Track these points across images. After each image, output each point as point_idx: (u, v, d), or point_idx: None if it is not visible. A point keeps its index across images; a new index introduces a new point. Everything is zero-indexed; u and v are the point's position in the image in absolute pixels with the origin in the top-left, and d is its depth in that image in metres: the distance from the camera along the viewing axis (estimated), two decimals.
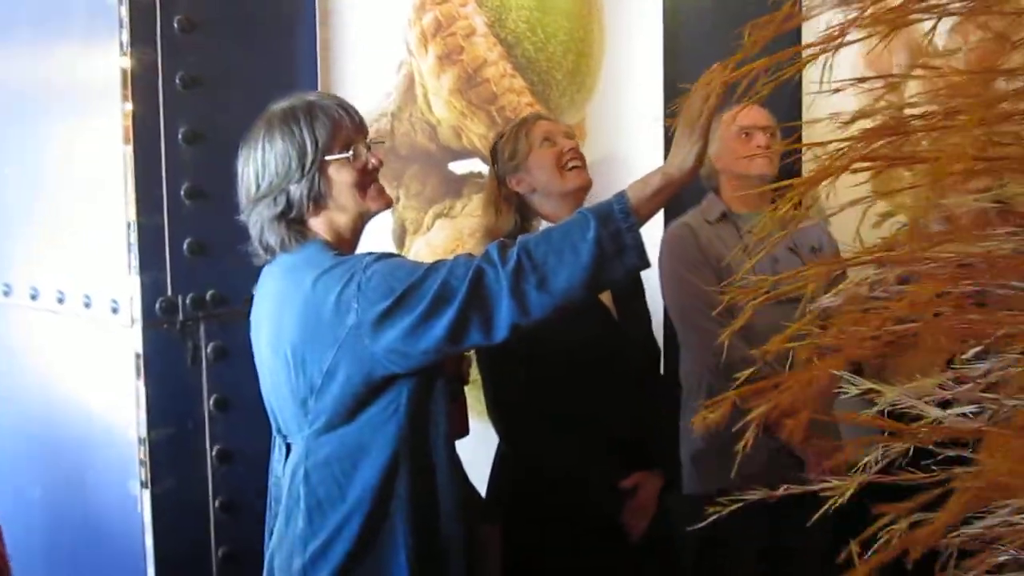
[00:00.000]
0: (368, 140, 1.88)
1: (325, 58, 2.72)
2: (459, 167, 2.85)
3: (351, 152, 1.82)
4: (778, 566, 2.73)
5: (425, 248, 2.84)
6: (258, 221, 1.83)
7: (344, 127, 1.83)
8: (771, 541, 2.69)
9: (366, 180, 1.85)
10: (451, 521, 1.83)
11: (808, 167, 2.87)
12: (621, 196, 1.76)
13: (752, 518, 2.60)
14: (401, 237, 2.84)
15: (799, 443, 2.59)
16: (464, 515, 1.86)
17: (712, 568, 2.69)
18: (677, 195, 2.84)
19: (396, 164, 2.82)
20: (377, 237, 2.80)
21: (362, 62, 2.77)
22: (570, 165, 2.38)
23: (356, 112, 1.89)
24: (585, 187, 2.40)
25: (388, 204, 1.90)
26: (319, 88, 2.70)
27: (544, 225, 2.40)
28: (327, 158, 1.80)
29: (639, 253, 1.74)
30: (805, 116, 2.89)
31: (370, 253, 1.78)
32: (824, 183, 1.28)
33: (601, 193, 2.50)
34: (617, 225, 1.72)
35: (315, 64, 2.58)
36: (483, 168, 2.80)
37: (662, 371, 2.81)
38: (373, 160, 1.86)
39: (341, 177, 1.82)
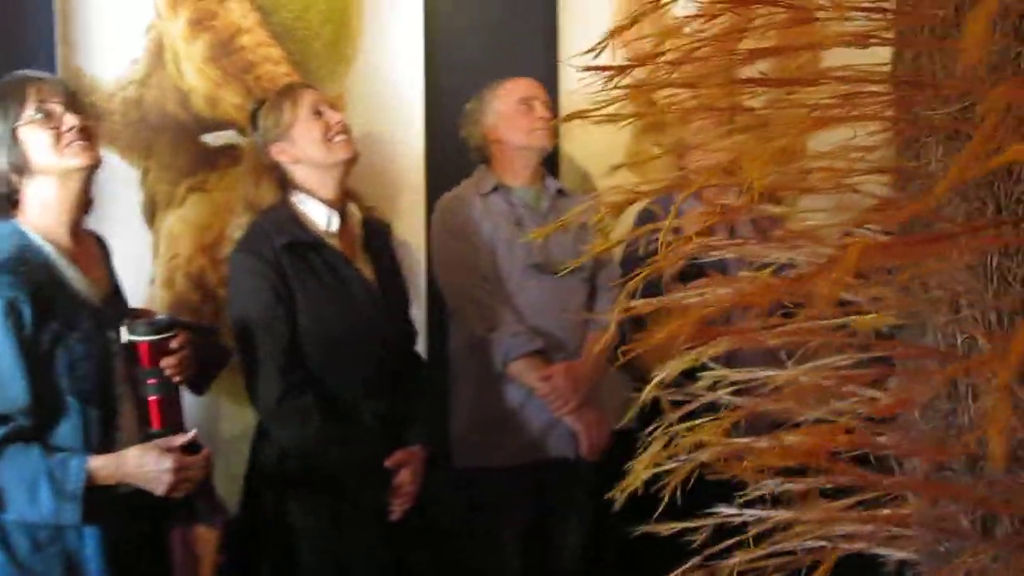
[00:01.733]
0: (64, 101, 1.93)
1: (64, 19, 2.55)
2: (214, 138, 2.74)
3: (42, 113, 1.88)
4: (543, 543, 2.78)
5: (179, 224, 2.71)
6: None
7: (35, 92, 1.90)
8: (537, 517, 2.74)
9: (63, 139, 1.90)
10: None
11: (565, 136, 2.97)
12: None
13: (518, 494, 2.68)
14: (151, 211, 2.70)
15: (570, 417, 2.65)
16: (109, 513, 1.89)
17: (478, 543, 2.72)
18: (444, 170, 2.87)
19: (145, 134, 2.68)
20: (126, 212, 2.67)
21: (106, 24, 2.61)
22: (337, 138, 2.34)
23: (58, 80, 2.00)
24: (351, 160, 2.37)
25: (91, 160, 1.94)
26: (58, 52, 2.53)
27: (302, 197, 2.34)
28: (17, 124, 1.87)
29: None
30: (562, 86, 2.97)
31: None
32: None
33: (361, 168, 2.47)
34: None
35: (52, 25, 2.41)
36: (240, 140, 2.71)
37: (427, 346, 2.81)
38: (71, 119, 1.91)
39: (37, 140, 1.88)
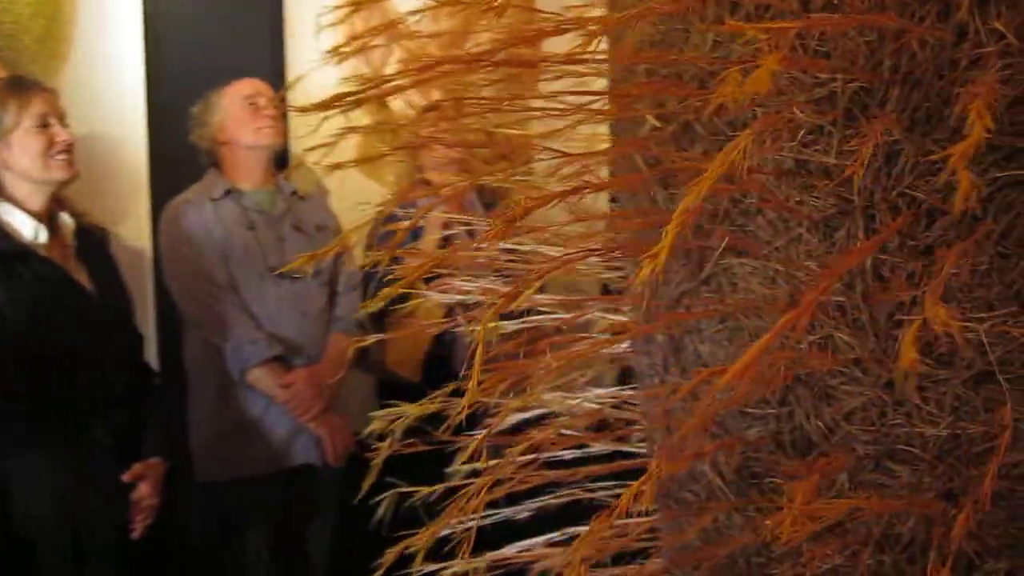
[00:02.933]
0: None
1: None
2: None
3: None
4: (292, 550, 2.76)
5: None
6: None
7: None
8: (284, 525, 2.71)
9: None
10: None
11: (299, 136, 2.94)
12: None
13: (264, 504, 2.64)
14: None
15: (314, 422, 2.63)
16: None
17: (224, 556, 2.65)
18: (170, 172, 2.77)
19: None
20: None
21: None
22: (59, 156, 2.22)
23: None
24: (70, 180, 2.26)
25: None
26: None
27: (7, 207, 2.19)
28: None
29: None
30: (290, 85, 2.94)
31: None
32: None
33: (81, 176, 2.34)
34: None
35: None
36: None
37: (159, 355, 2.72)
38: None
39: None
